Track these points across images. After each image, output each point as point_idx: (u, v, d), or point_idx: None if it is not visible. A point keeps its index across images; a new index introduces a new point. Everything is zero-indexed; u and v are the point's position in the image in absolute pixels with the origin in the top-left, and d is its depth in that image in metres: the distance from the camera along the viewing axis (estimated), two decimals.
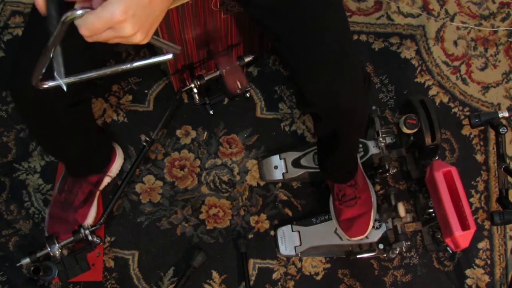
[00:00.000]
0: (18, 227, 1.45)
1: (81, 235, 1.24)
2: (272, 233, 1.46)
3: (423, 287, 1.43)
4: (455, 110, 1.60)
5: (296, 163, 1.49)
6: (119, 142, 1.52)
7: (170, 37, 1.28)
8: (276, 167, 1.49)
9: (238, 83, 1.36)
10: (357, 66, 1.00)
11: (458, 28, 1.70)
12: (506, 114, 1.38)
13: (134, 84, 1.60)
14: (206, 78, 1.45)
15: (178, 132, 1.56)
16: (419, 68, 1.65)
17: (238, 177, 1.52)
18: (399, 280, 1.43)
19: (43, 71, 0.64)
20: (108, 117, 1.57)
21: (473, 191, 1.52)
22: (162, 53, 0.68)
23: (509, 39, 1.70)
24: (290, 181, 1.50)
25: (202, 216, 1.48)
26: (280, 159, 1.50)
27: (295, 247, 1.41)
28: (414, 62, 1.66)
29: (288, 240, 1.42)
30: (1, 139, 1.54)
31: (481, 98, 1.62)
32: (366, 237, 1.38)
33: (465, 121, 1.58)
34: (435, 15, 1.72)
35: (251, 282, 1.41)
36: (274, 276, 1.43)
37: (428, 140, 1.36)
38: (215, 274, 1.42)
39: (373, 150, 1.48)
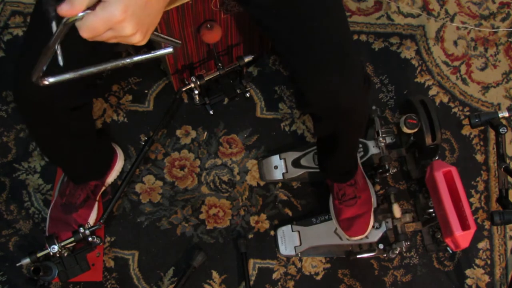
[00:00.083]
0: (18, 227, 1.45)
1: (81, 235, 1.24)
2: (272, 233, 1.46)
3: (423, 287, 1.43)
4: (455, 110, 1.60)
5: (296, 163, 1.49)
6: (119, 142, 1.52)
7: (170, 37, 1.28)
8: (276, 167, 1.49)
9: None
10: (357, 66, 1.00)
11: (458, 28, 1.70)
12: (506, 114, 1.38)
13: (134, 84, 1.60)
14: (206, 78, 1.45)
15: (178, 132, 1.56)
16: (419, 68, 1.65)
17: (238, 177, 1.52)
18: (399, 280, 1.43)
19: (44, 69, 0.64)
20: (108, 117, 1.57)
21: (473, 191, 1.52)
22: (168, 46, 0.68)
23: (509, 39, 1.70)
24: (290, 181, 1.50)
25: (202, 216, 1.48)
26: (280, 159, 1.50)
27: (295, 247, 1.41)
28: (414, 62, 1.66)
29: (288, 240, 1.42)
30: (1, 139, 1.54)
31: (481, 98, 1.62)
32: (366, 237, 1.38)
33: (465, 121, 1.58)
34: (435, 15, 1.72)
35: (251, 282, 1.41)
36: (274, 276, 1.43)
37: (428, 140, 1.36)
38: (215, 274, 1.42)
39: (373, 150, 1.48)
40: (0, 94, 1.59)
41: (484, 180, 1.53)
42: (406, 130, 1.35)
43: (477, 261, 1.45)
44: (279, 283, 1.42)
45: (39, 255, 1.22)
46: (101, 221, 1.30)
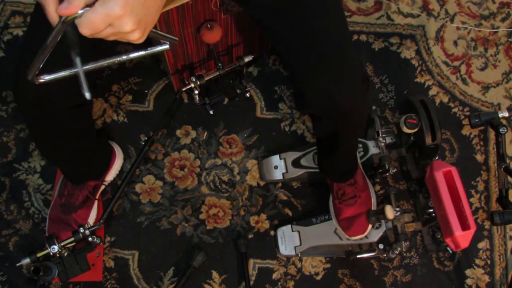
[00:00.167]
0: (18, 227, 1.45)
1: (81, 235, 1.24)
2: (272, 233, 1.46)
3: (423, 287, 1.43)
4: (455, 110, 1.60)
5: (296, 163, 1.49)
6: (119, 142, 1.52)
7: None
8: (276, 167, 1.49)
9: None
10: (357, 66, 1.00)
11: (458, 28, 1.70)
12: (506, 114, 1.38)
13: (134, 84, 1.60)
14: (206, 78, 1.45)
15: (178, 132, 1.56)
16: (419, 68, 1.65)
17: (238, 177, 1.52)
18: (399, 280, 1.43)
19: (40, 66, 0.64)
20: (108, 117, 1.57)
21: (473, 191, 1.52)
22: (165, 42, 0.68)
23: (509, 39, 1.70)
24: (290, 181, 1.50)
25: (202, 216, 1.48)
26: (280, 159, 1.50)
27: (295, 247, 1.41)
28: (414, 62, 1.66)
29: (288, 240, 1.42)
30: (1, 139, 1.54)
31: (481, 98, 1.62)
32: (366, 237, 1.38)
33: (465, 121, 1.58)
34: (435, 15, 1.72)
35: (251, 282, 1.41)
36: (274, 276, 1.43)
37: (428, 140, 1.36)
38: (215, 274, 1.42)
39: (373, 150, 1.48)
40: (0, 94, 1.59)
41: (484, 180, 1.53)
42: (406, 130, 1.35)
43: (477, 261, 1.45)
44: (279, 283, 1.42)
45: (39, 255, 1.22)
46: (101, 221, 1.30)
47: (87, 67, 0.65)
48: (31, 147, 1.53)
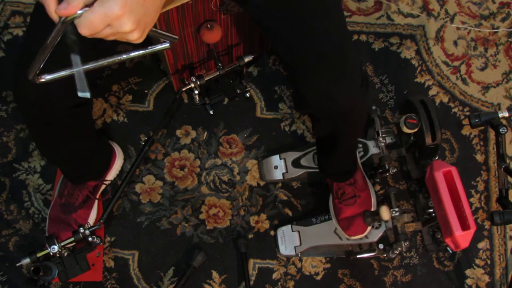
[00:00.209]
0: (18, 227, 1.45)
1: (81, 235, 1.24)
2: (272, 233, 1.46)
3: (423, 287, 1.43)
4: (455, 110, 1.60)
5: (296, 163, 1.49)
6: (119, 142, 1.52)
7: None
8: (276, 167, 1.49)
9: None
10: (356, 66, 1.00)
11: (458, 28, 1.70)
12: (506, 114, 1.38)
13: (134, 84, 1.60)
14: (206, 78, 1.45)
15: (178, 132, 1.56)
16: (419, 68, 1.65)
17: (238, 177, 1.52)
18: (399, 280, 1.43)
19: (41, 66, 0.65)
20: (108, 117, 1.57)
21: (473, 191, 1.52)
22: (165, 41, 0.68)
23: (509, 39, 1.70)
24: (290, 181, 1.50)
25: (202, 216, 1.48)
26: (280, 159, 1.50)
27: (295, 247, 1.41)
28: (414, 62, 1.66)
29: (288, 240, 1.42)
30: (1, 139, 1.54)
31: (481, 98, 1.62)
32: (366, 237, 1.38)
33: (465, 121, 1.58)
34: (435, 15, 1.72)
35: (251, 282, 1.41)
36: (274, 276, 1.43)
37: (428, 140, 1.36)
38: (215, 274, 1.42)
39: (373, 150, 1.48)
40: (0, 94, 1.59)
41: (484, 180, 1.53)
42: (406, 130, 1.35)
43: (477, 261, 1.45)
44: (279, 283, 1.42)
45: (39, 255, 1.22)
46: (101, 221, 1.30)
47: (87, 66, 0.66)
48: (31, 147, 1.53)
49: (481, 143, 1.57)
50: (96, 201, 1.43)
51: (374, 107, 1.51)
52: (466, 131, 1.58)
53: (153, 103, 1.59)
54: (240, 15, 1.35)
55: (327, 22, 0.97)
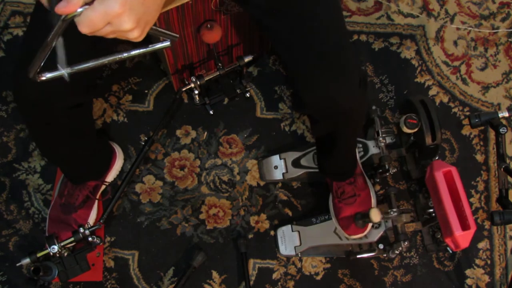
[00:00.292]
0: (18, 227, 1.45)
1: (81, 235, 1.24)
2: (272, 233, 1.46)
3: (423, 287, 1.43)
4: (455, 110, 1.60)
5: (296, 163, 1.49)
6: (119, 142, 1.52)
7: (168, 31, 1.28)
8: (276, 167, 1.49)
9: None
10: (355, 66, 1.00)
11: (458, 28, 1.70)
12: (506, 114, 1.38)
13: (134, 84, 1.60)
14: (206, 78, 1.45)
15: (178, 132, 1.56)
16: (419, 68, 1.65)
17: (238, 177, 1.52)
18: (399, 280, 1.43)
19: (41, 64, 0.64)
20: (108, 117, 1.57)
21: (473, 191, 1.52)
22: (166, 39, 0.68)
23: (509, 39, 1.70)
24: (290, 181, 1.50)
25: (202, 216, 1.48)
26: (280, 159, 1.50)
27: (295, 247, 1.41)
28: (414, 62, 1.66)
29: (288, 240, 1.42)
30: (1, 139, 1.54)
31: (481, 98, 1.62)
32: (366, 236, 1.38)
33: (465, 121, 1.58)
34: (435, 15, 1.72)
35: (251, 282, 1.41)
36: (274, 276, 1.43)
37: (428, 140, 1.36)
38: (215, 274, 1.42)
39: (373, 150, 1.48)
40: (0, 94, 1.59)
41: (484, 180, 1.53)
42: (406, 130, 1.35)
43: (477, 261, 1.45)
44: (279, 283, 1.42)
45: (39, 255, 1.22)
46: (101, 221, 1.30)
47: (87, 64, 0.65)
48: (31, 147, 1.53)
49: (481, 143, 1.57)
50: (96, 201, 1.43)
51: (374, 107, 1.51)
52: (466, 131, 1.58)
53: (153, 103, 1.59)
54: (240, 15, 1.35)
55: (327, 22, 0.97)
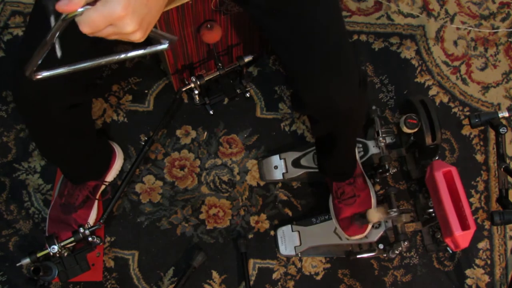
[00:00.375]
0: (18, 227, 1.45)
1: (81, 235, 1.24)
2: (272, 233, 1.46)
3: (423, 287, 1.43)
4: (455, 110, 1.60)
5: (296, 163, 1.49)
6: (119, 142, 1.52)
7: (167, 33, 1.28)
8: (276, 167, 1.49)
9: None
10: (355, 66, 1.00)
11: (458, 28, 1.70)
12: (506, 114, 1.38)
13: (134, 84, 1.60)
14: (206, 78, 1.45)
15: (178, 132, 1.56)
16: (419, 68, 1.65)
17: (238, 177, 1.52)
18: (399, 280, 1.43)
19: (39, 63, 0.64)
20: (108, 117, 1.57)
21: (473, 191, 1.52)
22: (164, 41, 0.68)
23: (509, 39, 1.70)
24: (290, 181, 1.50)
25: (202, 216, 1.48)
26: (280, 159, 1.50)
27: (295, 247, 1.41)
28: (414, 62, 1.66)
29: (288, 240, 1.42)
30: (1, 139, 1.54)
31: (481, 98, 1.62)
32: (366, 236, 1.38)
33: (465, 121, 1.58)
34: (435, 15, 1.72)
35: (251, 282, 1.41)
36: (274, 276, 1.43)
37: (428, 140, 1.36)
38: (215, 274, 1.42)
39: (373, 150, 1.48)
40: (0, 94, 1.59)
41: (484, 180, 1.53)
42: (406, 130, 1.35)
43: (477, 261, 1.45)
44: (279, 283, 1.42)
45: (39, 255, 1.22)
46: (101, 221, 1.30)
47: (85, 64, 0.65)
48: (31, 147, 1.53)
49: (481, 143, 1.57)
50: (96, 201, 1.43)
51: (374, 107, 1.51)
52: (466, 131, 1.58)
53: (153, 103, 1.59)
54: (240, 15, 1.35)
55: (327, 22, 0.97)
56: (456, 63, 1.66)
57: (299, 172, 1.48)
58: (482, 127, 1.52)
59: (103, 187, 1.45)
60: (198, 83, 1.44)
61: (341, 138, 1.17)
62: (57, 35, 0.61)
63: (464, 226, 1.24)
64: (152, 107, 1.59)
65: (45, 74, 0.66)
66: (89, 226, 1.26)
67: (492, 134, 1.56)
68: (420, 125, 1.35)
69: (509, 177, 1.34)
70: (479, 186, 1.53)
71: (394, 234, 1.39)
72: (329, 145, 1.21)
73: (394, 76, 1.63)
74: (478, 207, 1.51)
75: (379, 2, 1.72)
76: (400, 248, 1.35)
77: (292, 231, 1.43)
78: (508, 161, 1.55)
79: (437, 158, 1.42)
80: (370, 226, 1.37)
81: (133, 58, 0.67)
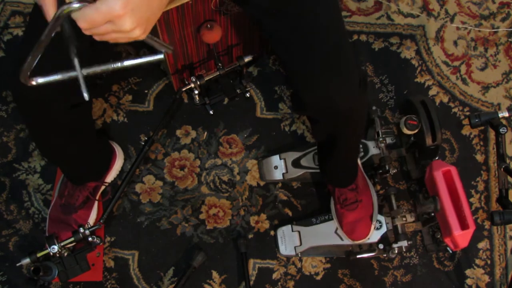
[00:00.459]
0: (18, 227, 1.45)
1: (81, 235, 1.24)
2: (272, 233, 1.46)
3: (423, 287, 1.43)
4: (455, 110, 1.60)
5: (296, 163, 1.49)
6: (119, 142, 1.52)
7: (170, 37, 1.28)
8: (276, 167, 1.49)
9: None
10: (355, 66, 1.00)
11: (458, 28, 1.70)
12: (506, 114, 1.38)
13: (134, 84, 1.60)
14: (206, 78, 1.45)
15: (178, 132, 1.56)
16: (419, 68, 1.65)
17: (238, 177, 1.52)
18: (399, 280, 1.43)
19: (34, 64, 0.64)
20: (108, 117, 1.57)
21: (473, 191, 1.52)
22: (160, 51, 0.68)
23: (509, 39, 1.70)
24: (290, 181, 1.50)
25: (202, 216, 1.48)
26: (280, 159, 1.50)
27: (295, 247, 1.41)
28: (414, 62, 1.66)
29: (288, 240, 1.42)
30: (1, 139, 1.54)
31: (481, 98, 1.62)
32: (368, 238, 1.38)
33: (465, 121, 1.58)
34: (435, 15, 1.72)
35: (251, 282, 1.41)
36: (274, 276, 1.43)
37: (428, 141, 1.36)
38: (215, 274, 1.42)
39: (373, 150, 1.48)
40: (0, 94, 1.59)
41: (484, 180, 1.53)
42: (406, 131, 1.35)
43: (477, 261, 1.45)
44: (279, 283, 1.42)
45: (39, 255, 1.22)
46: (101, 221, 1.30)
47: (77, 73, 0.65)
48: (31, 147, 1.53)
49: (481, 143, 1.57)
50: (96, 201, 1.43)
51: (374, 107, 1.51)
52: (466, 131, 1.58)
53: (153, 103, 1.59)
54: (240, 15, 1.35)
55: (327, 22, 0.97)
56: (456, 63, 1.66)
57: (299, 172, 1.48)
58: (482, 127, 1.52)
59: (103, 187, 1.45)
60: (198, 83, 1.44)
61: (341, 138, 1.17)
62: (52, 33, 0.61)
63: (463, 226, 1.24)
64: (152, 107, 1.59)
65: (40, 81, 0.66)
66: (89, 226, 1.26)
67: (492, 134, 1.56)
68: (420, 126, 1.35)
69: (509, 177, 1.34)
70: (479, 186, 1.53)
71: (394, 234, 1.39)
72: (330, 146, 1.21)
73: (394, 76, 1.63)
74: (478, 207, 1.51)
75: (379, 2, 1.72)
76: (400, 248, 1.35)
77: (292, 231, 1.43)
78: (508, 161, 1.55)
79: (437, 158, 1.42)
80: (373, 228, 1.37)
81: (128, 67, 0.67)
